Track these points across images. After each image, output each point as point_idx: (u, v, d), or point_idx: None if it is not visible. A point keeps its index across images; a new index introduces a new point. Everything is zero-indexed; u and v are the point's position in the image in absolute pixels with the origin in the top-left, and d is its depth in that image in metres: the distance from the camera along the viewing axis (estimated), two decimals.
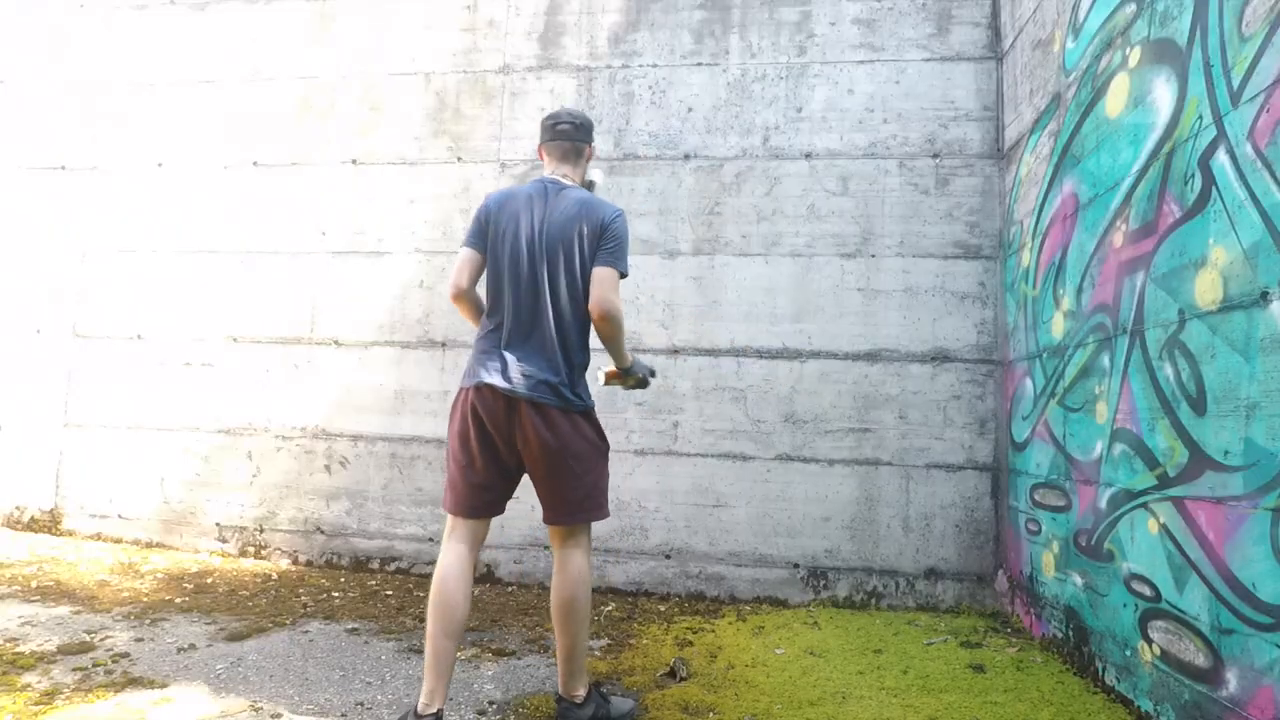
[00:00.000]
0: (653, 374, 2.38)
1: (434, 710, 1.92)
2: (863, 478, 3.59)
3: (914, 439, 3.57)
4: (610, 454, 4.01)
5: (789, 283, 3.72)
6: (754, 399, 3.69)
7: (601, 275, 2.10)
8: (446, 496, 2.10)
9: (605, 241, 2.12)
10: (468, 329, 3.91)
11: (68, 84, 4.50)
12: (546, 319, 2.07)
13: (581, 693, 2.10)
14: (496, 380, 2.01)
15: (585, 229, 2.11)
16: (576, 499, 2.09)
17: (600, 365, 2.31)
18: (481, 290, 2.19)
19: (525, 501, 3.77)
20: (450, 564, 2.02)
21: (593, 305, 2.08)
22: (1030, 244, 3.19)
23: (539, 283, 2.08)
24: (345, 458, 3.97)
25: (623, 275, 2.14)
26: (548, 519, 2.12)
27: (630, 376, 2.30)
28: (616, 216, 2.15)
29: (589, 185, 2.33)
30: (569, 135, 2.23)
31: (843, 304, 3.68)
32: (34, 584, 3.36)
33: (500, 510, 2.14)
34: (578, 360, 2.12)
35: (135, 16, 4.46)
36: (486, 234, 2.14)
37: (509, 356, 2.04)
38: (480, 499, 2.07)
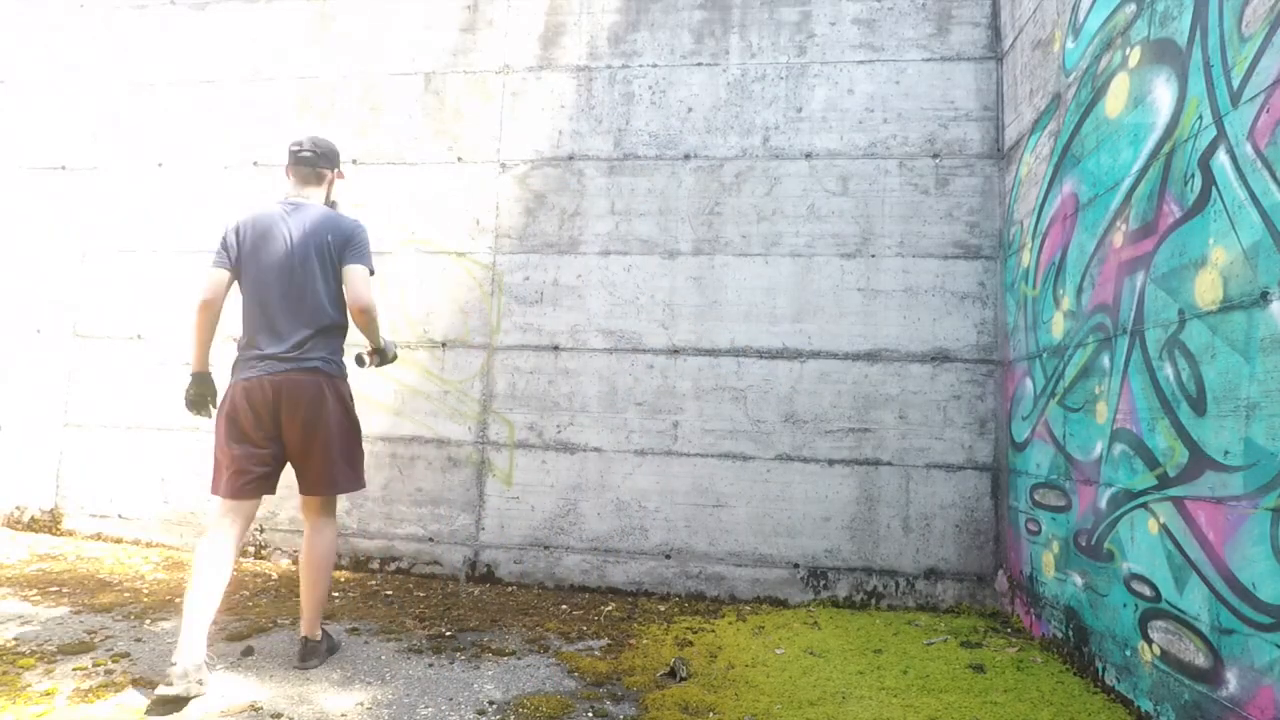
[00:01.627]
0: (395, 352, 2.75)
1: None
2: (863, 478, 3.59)
3: (914, 439, 3.57)
4: (610, 454, 4.05)
5: (789, 283, 3.72)
6: (754, 399, 3.69)
7: (352, 272, 2.47)
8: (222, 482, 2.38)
9: (351, 246, 2.48)
10: (468, 329, 3.91)
11: (68, 84, 4.50)
12: (306, 314, 2.43)
13: (319, 633, 2.55)
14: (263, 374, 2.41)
15: (331, 238, 2.46)
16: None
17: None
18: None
19: (525, 502, 3.79)
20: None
21: (351, 302, 2.46)
22: (1030, 244, 3.19)
23: (299, 286, 2.43)
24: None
25: (370, 272, 2.51)
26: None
27: (383, 355, 2.65)
28: (357, 224, 2.54)
29: (332, 205, 2.64)
30: (309, 161, 2.54)
31: (843, 304, 3.68)
32: (34, 584, 3.36)
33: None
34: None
35: (135, 16, 4.46)
36: (233, 255, 2.46)
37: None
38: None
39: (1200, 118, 2.02)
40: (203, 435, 4.13)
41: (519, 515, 3.79)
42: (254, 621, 2.97)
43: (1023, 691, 2.49)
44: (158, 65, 4.40)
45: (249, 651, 2.62)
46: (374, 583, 3.70)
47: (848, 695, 2.44)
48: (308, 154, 2.54)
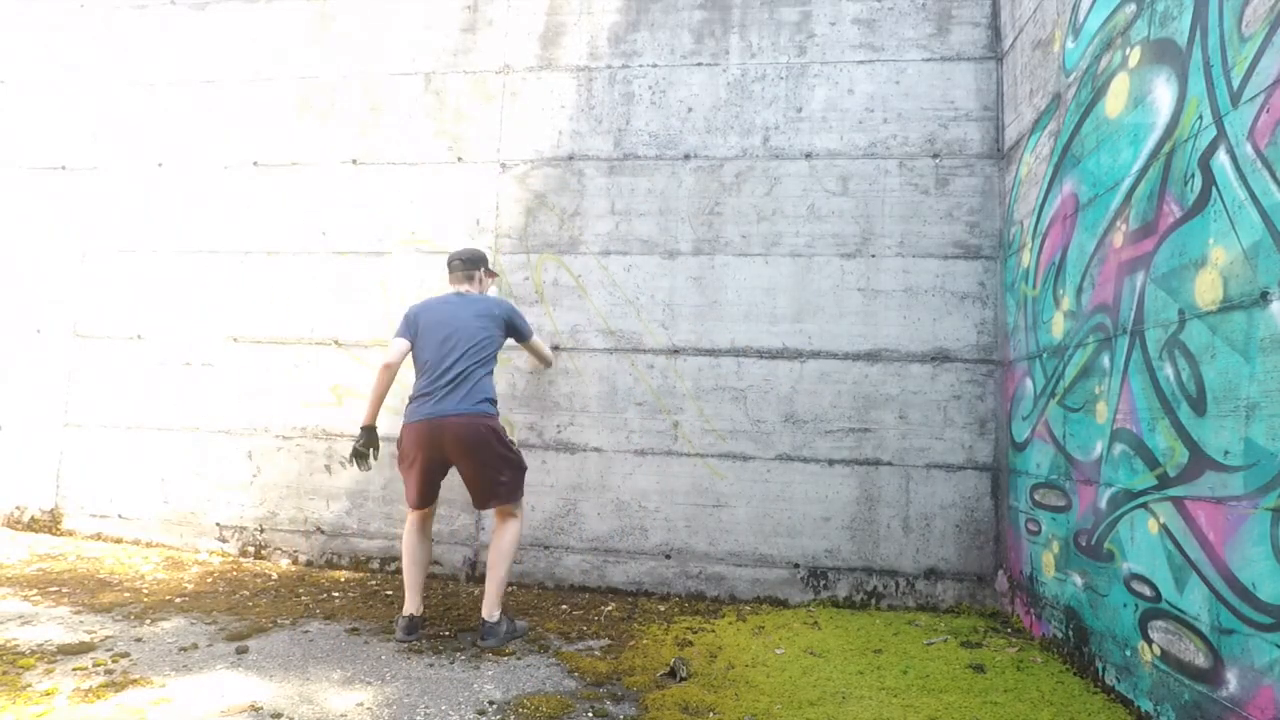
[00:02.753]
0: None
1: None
2: (863, 478, 3.59)
3: (914, 439, 3.57)
4: (610, 454, 4.11)
5: (789, 283, 3.72)
6: (754, 399, 3.69)
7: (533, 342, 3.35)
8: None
9: (516, 320, 3.18)
10: None
11: (68, 84, 4.50)
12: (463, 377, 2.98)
13: (497, 615, 2.91)
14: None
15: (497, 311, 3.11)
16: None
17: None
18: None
19: (525, 501, 3.78)
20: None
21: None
22: (1030, 244, 3.19)
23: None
24: (345, 458, 3.97)
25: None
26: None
27: None
28: (508, 304, 3.17)
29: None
30: (460, 268, 3.16)
31: (843, 304, 3.68)
32: (34, 584, 3.36)
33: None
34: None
35: (135, 16, 4.46)
36: (416, 328, 3.03)
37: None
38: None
39: (1200, 118, 2.02)
40: (203, 435, 4.13)
41: None
42: (254, 621, 2.97)
43: (1023, 691, 2.49)
44: (158, 65, 4.40)
45: (244, 650, 2.62)
46: (374, 583, 3.70)
47: (848, 695, 2.44)
48: (457, 263, 3.16)
